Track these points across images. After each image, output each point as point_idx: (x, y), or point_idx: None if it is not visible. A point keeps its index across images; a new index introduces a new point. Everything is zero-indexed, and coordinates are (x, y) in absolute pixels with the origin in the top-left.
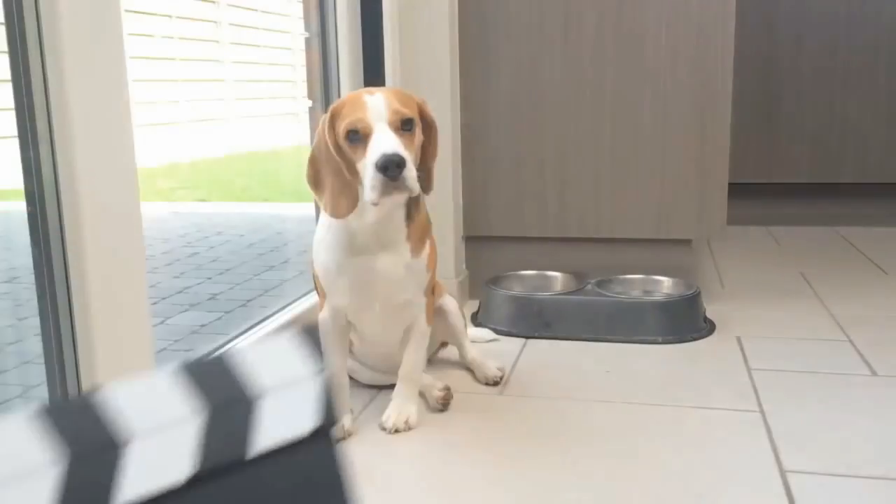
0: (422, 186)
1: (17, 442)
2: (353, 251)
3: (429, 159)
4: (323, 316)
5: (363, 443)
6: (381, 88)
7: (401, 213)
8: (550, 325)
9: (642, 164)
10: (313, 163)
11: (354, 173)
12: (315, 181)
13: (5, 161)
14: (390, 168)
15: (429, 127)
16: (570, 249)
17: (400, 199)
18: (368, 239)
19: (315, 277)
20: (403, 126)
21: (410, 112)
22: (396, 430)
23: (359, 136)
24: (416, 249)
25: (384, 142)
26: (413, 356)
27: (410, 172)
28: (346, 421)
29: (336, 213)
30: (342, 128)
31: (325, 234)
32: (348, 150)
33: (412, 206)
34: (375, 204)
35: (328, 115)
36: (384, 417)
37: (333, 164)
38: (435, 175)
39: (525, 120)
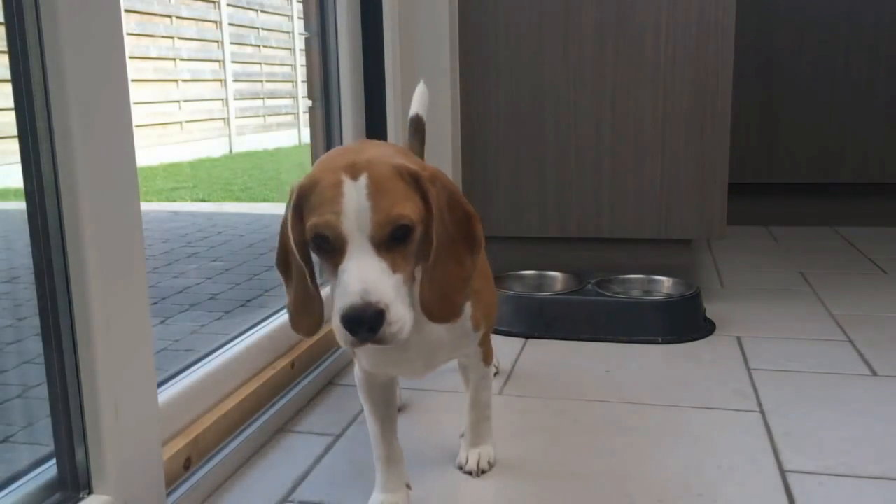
0: (425, 301)
1: None
2: None
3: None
4: (357, 373)
5: (360, 443)
6: (369, 160)
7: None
8: (550, 325)
9: (642, 164)
10: (282, 246)
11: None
12: (283, 267)
13: (5, 160)
14: (359, 332)
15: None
16: (570, 249)
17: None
18: None
19: None
20: (394, 237)
21: (407, 213)
22: (482, 472)
23: (329, 247)
24: None
25: (356, 278)
26: (478, 408)
27: (394, 325)
28: (401, 500)
29: (297, 331)
30: (309, 226)
31: None
32: (315, 255)
33: None
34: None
35: (293, 196)
36: (461, 459)
37: (297, 267)
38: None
39: (525, 120)
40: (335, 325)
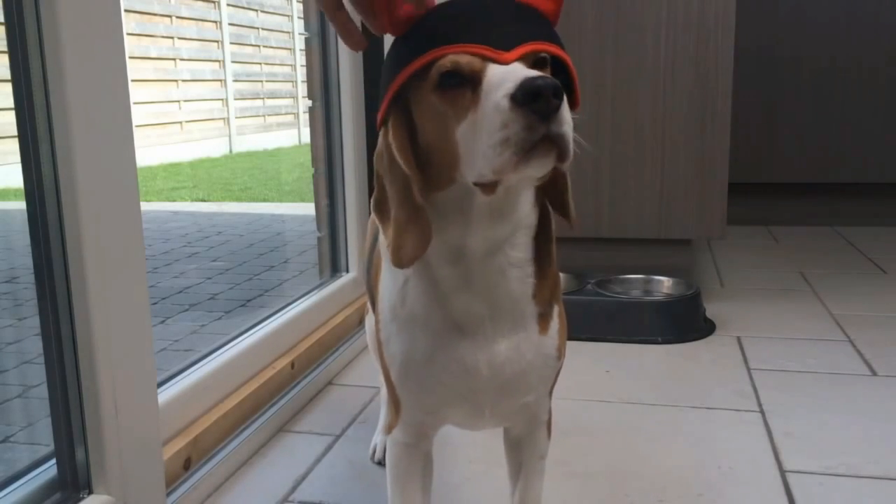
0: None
1: None
2: (448, 326)
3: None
4: (396, 438)
5: (359, 442)
6: None
7: (527, 239)
8: None
9: (642, 164)
10: (378, 177)
11: (432, 186)
12: (379, 206)
13: (5, 160)
14: (542, 95)
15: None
16: (570, 249)
17: (541, 171)
18: (470, 298)
19: (380, 356)
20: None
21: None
22: None
23: (462, 81)
24: (546, 318)
25: (515, 71)
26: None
27: (566, 123)
28: None
29: (398, 260)
30: (430, 78)
31: (397, 288)
32: (434, 122)
33: (543, 234)
34: (495, 184)
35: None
36: None
37: (401, 176)
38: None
39: None
40: (489, 132)
